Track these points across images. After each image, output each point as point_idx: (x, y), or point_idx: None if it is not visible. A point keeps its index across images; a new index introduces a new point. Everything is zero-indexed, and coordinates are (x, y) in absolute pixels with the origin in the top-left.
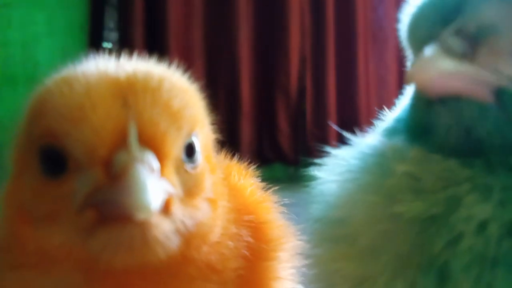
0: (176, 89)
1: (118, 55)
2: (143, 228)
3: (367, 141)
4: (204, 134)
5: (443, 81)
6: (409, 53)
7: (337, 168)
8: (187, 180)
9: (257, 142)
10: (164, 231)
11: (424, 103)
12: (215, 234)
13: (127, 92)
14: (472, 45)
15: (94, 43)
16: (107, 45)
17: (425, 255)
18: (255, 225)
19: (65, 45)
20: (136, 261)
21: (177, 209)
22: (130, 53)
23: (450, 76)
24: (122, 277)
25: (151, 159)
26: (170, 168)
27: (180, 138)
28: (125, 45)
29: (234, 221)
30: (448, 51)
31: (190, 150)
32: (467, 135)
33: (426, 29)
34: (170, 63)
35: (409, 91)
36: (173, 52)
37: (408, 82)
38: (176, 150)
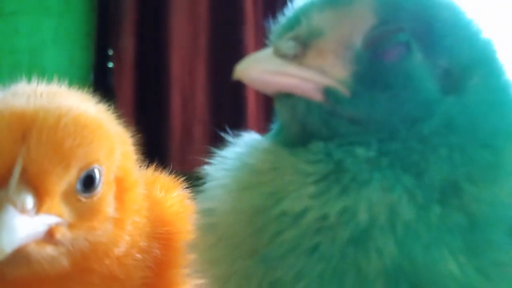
0: (74, 126)
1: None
2: (23, 253)
3: (243, 141)
4: (112, 162)
5: (266, 79)
6: None
7: (218, 165)
8: (81, 208)
9: None
10: (47, 254)
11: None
12: (120, 248)
13: (27, 128)
14: (304, 48)
15: (101, 50)
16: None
17: (254, 244)
18: (168, 236)
19: (72, 52)
20: (25, 275)
21: (64, 235)
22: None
23: (273, 74)
24: (25, 283)
25: (26, 199)
26: (55, 202)
27: (67, 175)
28: (117, 54)
29: (147, 234)
30: (280, 54)
31: (89, 181)
32: (301, 128)
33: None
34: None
35: None
36: (175, 58)
37: (234, 77)
38: (62, 186)
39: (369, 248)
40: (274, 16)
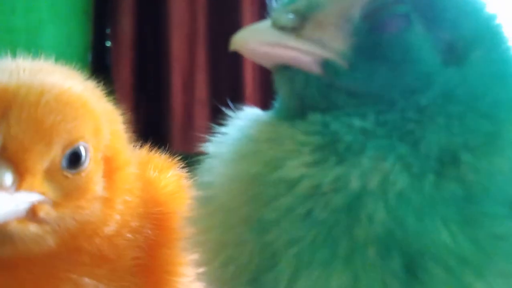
0: (57, 103)
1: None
2: (5, 232)
3: (244, 114)
4: (99, 141)
5: (264, 50)
6: None
7: (218, 141)
8: (67, 186)
9: None
10: (30, 233)
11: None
12: (110, 227)
13: (7, 104)
14: (302, 21)
15: (98, 29)
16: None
17: (250, 210)
18: (161, 217)
19: (69, 31)
20: (10, 254)
21: (48, 213)
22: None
23: (271, 46)
24: (12, 263)
25: (5, 176)
26: (38, 179)
27: (50, 152)
28: (115, 34)
29: (139, 214)
30: (278, 26)
31: (74, 158)
32: (300, 101)
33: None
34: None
35: None
36: (175, 40)
37: (230, 48)
38: (44, 163)
39: (361, 214)
40: None
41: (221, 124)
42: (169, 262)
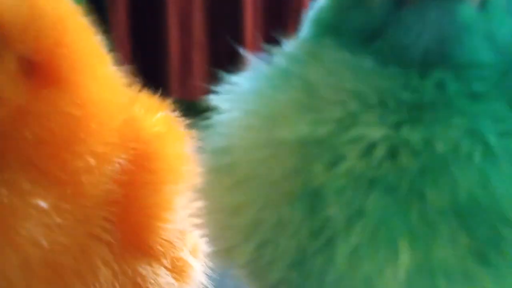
0: None
1: None
2: None
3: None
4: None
5: None
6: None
7: (231, 94)
8: None
9: None
10: None
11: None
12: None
13: None
14: None
15: (94, 4)
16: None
17: (299, 181)
18: (143, 155)
19: None
20: None
21: None
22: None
23: None
24: None
25: None
26: None
27: None
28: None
29: (111, 143)
30: None
31: None
32: (439, 45)
33: None
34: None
35: None
36: (171, 3)
37: None
38: None
39: (442, 180)
40: None
41: (228, 72)
42: (152, 205)
